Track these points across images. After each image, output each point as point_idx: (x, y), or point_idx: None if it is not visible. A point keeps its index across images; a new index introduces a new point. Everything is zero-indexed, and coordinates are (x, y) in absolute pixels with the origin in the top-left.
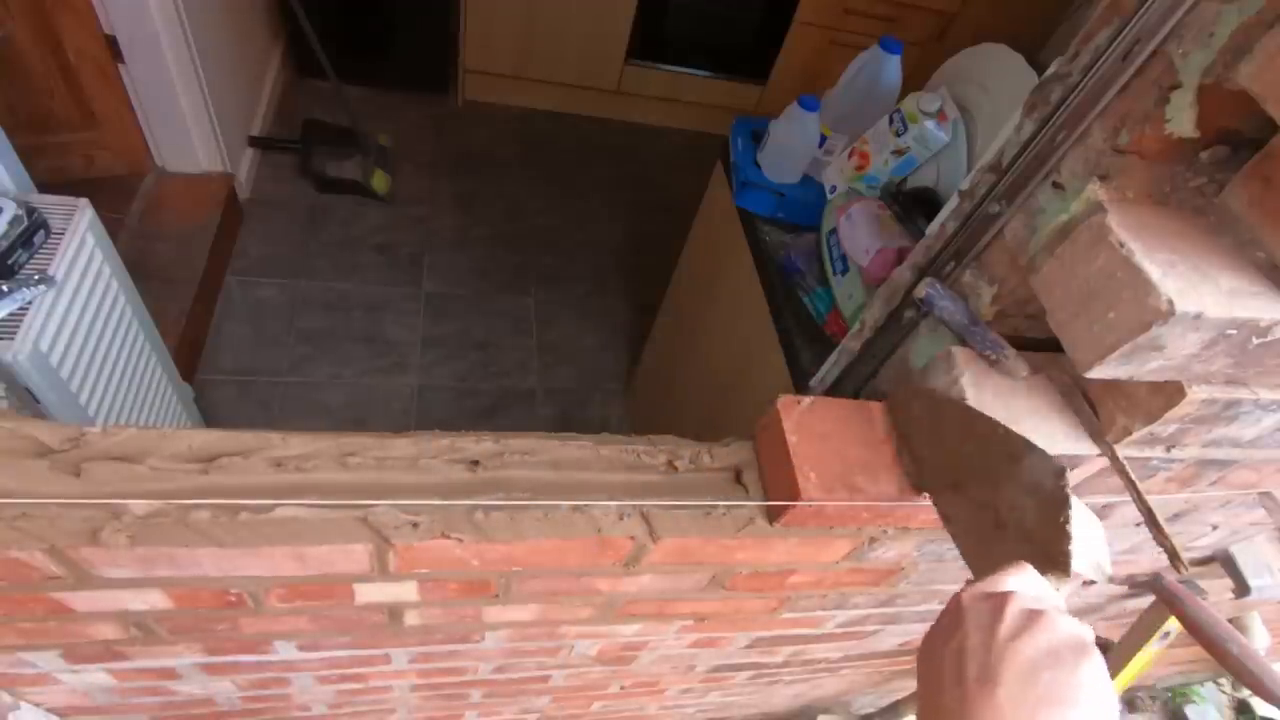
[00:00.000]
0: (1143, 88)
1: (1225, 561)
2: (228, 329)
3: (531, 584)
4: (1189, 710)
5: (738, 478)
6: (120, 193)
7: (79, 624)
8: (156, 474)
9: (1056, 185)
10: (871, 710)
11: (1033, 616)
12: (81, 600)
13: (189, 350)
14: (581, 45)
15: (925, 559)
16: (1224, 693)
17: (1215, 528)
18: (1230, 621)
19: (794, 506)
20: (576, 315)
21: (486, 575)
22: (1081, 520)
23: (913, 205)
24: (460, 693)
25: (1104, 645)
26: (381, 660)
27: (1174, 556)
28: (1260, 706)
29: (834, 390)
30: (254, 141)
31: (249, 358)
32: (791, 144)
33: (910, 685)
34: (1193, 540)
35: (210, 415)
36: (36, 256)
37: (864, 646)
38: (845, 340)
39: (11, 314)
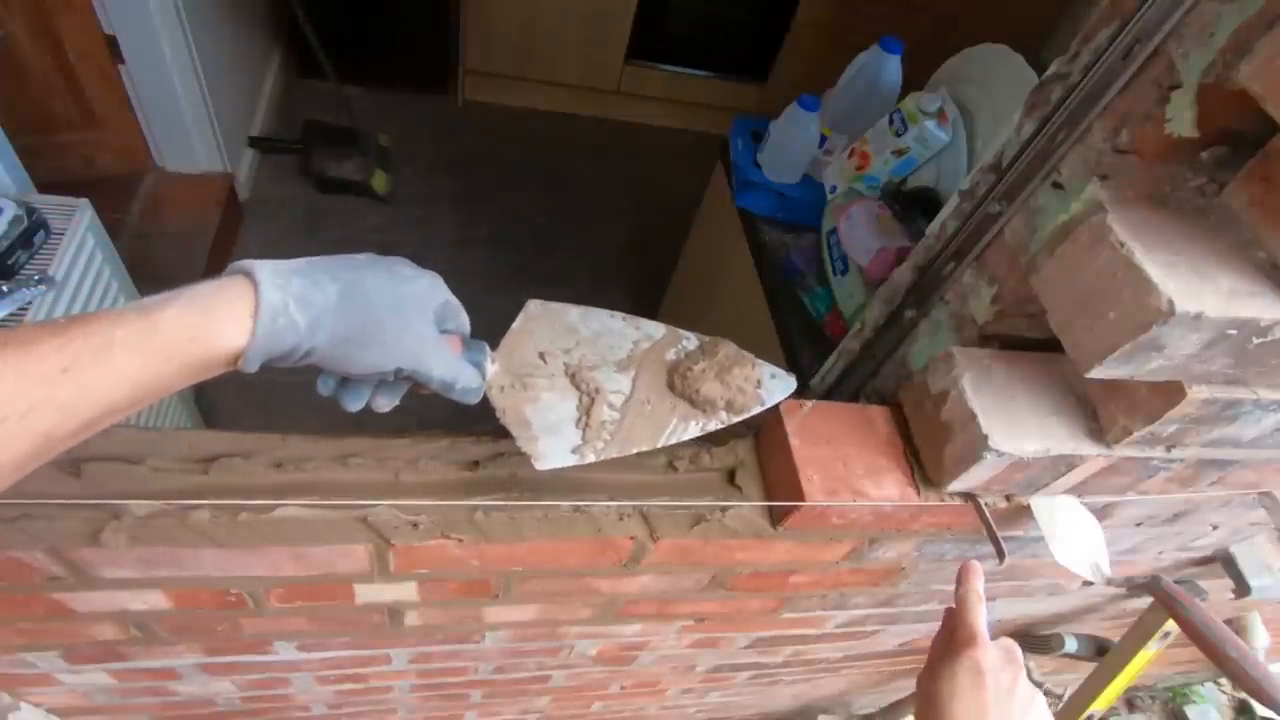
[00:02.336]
0: (1143, 88)
1: (1225, 561)
2: None
3: (531, 584)
4: (1189, 710)
5: (730, 478)
6: (120, 193)
7: (79, 624)
8: (156, 474)
9: (1057, 185)
10: (871, 710)
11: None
12: (81, 601)
13: None
14: (581, 45)
15: (925, 559)
16: (1224, 693)
17: (1215, 528)
18: (1230, 621)
19: (798, 509)
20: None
21: (486, 575)
22: (1079, 521)
23: (913, 205)
24: (460, 693)
25: (1103, 646)
26: (381, 660)
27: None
28: (1260, 707)
29: (835, 390)
30: (254, 142)
31: None
32: (791, 144)
33: (909, 685)
34: (1193, 540)
35: (210, 415)
36: (36, 256)
37: (864, 646)
38: (845, 340)
39: (11, 314)
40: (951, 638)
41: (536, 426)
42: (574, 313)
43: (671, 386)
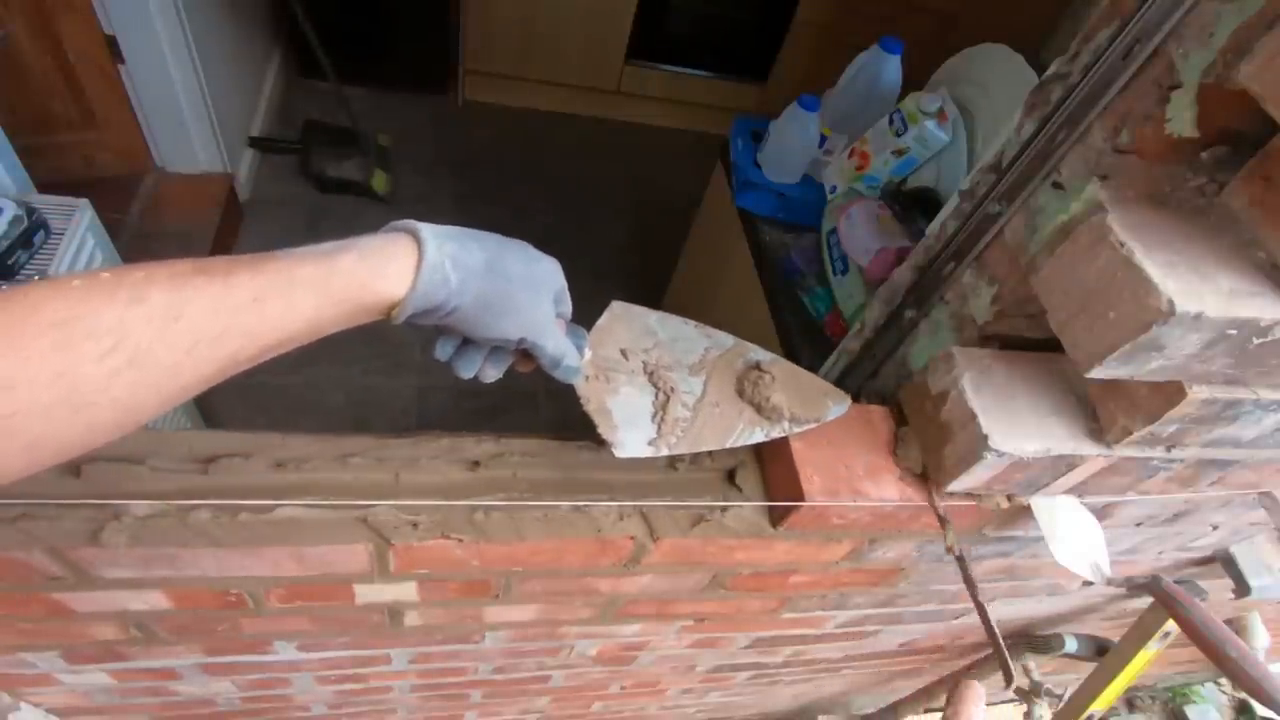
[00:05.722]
0: (1143, 88)
1: (1225, 561)
2: None
3: (531, 584)
4: (1189, 710)
5: (730, 478)
6: (120, 193)
7: (79, 624)
8: (156, 474)
9: (1057, 185)
10: (871, 710)
11: None
12: (81, 600)
13: None
14: (581, 45)
15: (925, 559)
16: (1224, 693)
17: (1215, 528)
18: (1230, 621)
19: (798, 509)
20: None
21: (486, 575)
22: (1079, 521)
23: (913, 205)
24: (460, 693)
25: (1103, 646)
26: (381, 660)
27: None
28: (1261, 707)
29: None
30: (254, 142)
31: None
32: (791, 144)
33: (909, 685)
34: (1193, 540)
35: (210, 416)
36: (36, 256)
37: (864, 646)
38: (845, 340)
39: None
40: None
41: (617, 417)
42: (653, 316)
43: (741, 393)
